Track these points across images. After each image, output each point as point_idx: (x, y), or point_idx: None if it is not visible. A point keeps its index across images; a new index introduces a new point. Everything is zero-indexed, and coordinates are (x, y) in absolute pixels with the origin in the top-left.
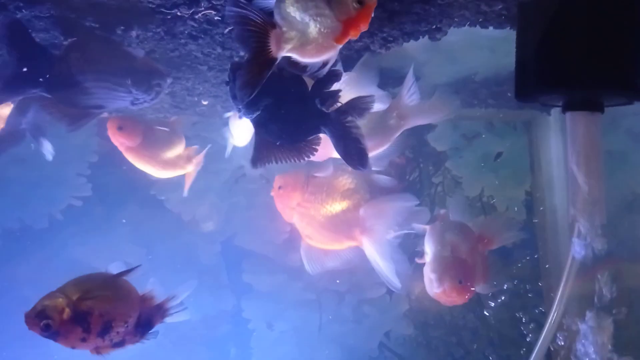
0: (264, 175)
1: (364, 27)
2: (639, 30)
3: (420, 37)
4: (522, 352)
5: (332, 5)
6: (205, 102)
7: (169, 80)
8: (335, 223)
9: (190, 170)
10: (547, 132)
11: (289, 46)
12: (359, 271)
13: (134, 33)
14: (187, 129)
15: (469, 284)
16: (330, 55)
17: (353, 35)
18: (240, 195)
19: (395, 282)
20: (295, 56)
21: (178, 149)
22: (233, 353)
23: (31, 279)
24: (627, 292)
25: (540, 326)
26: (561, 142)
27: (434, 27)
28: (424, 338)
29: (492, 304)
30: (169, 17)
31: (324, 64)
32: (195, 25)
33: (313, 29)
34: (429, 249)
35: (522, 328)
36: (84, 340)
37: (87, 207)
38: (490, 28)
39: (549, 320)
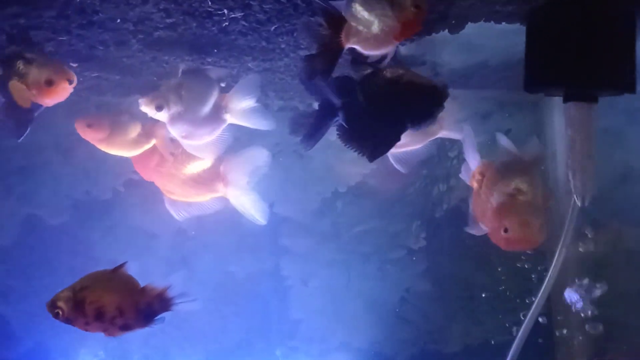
0: (297, 151)
1: (418, 28)
2: (625, 36)
3: (441, 30)
4: (528, 304)
5: (394, 8)
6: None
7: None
8: (196, 179)
9: (154, 142)
10: (551, 111)
11: (355, 39)
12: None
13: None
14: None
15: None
16: (389, 49)
17: (408, 35)
18: (277, 168)
19: (259, 220)
20: (359, 48)
21: (137, 128)
22: (274, 305)
23: (99, 242)
24: (624, 253)
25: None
26: (564, 120)
27: (453, 22)
28: (440, 293)
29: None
30: (224, 18)
31: (383, 56)
32: (246, 24)
33: (377, 26)
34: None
35: (527, 284)
36: (87, 324)
37: (144, 181)
38: (503, 23)
39: (545, 281)
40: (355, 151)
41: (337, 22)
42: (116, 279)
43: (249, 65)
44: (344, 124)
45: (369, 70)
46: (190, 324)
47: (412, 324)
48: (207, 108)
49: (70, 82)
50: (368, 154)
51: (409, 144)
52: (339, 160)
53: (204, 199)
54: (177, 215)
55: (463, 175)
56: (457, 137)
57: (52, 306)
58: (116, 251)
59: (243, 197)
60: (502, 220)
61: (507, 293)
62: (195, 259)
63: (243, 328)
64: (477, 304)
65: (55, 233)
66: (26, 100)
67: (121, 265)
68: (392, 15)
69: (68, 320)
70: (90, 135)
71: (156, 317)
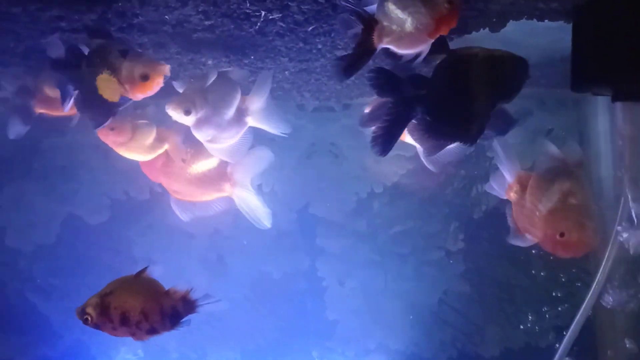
0: (332, 151)
1: (453, 24)
2: None
3: (481, 29)
4: (569, 308)
5: (427, 5)
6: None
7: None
8: (202, 179)
9: (166, 147)
10: (595, 109)
11: (388, 39)
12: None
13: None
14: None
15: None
16: (423, 47)
17: (444, 31)
18: (312, 168)
19: (264, 223)
20: (392, 47)
21: (154, 133)
22: (310, 306)
23: (138, 242)
24: None
25: (586, 286)
26: (608, 119)
27: (494, 20)
28: (478, 295)
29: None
30: (262, 20)
31: (417, 55)
32: (284, 25)
33: (410, 24)
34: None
35: (569, 287)
36: (114, 329)
37: None
38: (546, 21)
39: (595, 282)
40: (447, 140)
41: (369, 23)
42: (140, 283)
43: (286, 65)
44: (426, 118)
45: (440, 58)
46: (227, 323)
47: (451, 326)
48: (232, 111)
49: (165, 78)
50: (463, 139)
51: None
52: (374, 160)
53: (209, 198)
54: (182, 215)
55: (492, 189)
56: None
57: (82, 312)
58: (154, 250)
59: (249, 198)
60: (556, 225)
61: (549, 296)
62: (232, 258)
63: (279, 328)
64: (517, 306)
65: (94, 232)
66: (115, 94)
67: (143, 270)
68: (425, 13)
69: (97, 326)
70: (112, 139)
71: (182, 320)
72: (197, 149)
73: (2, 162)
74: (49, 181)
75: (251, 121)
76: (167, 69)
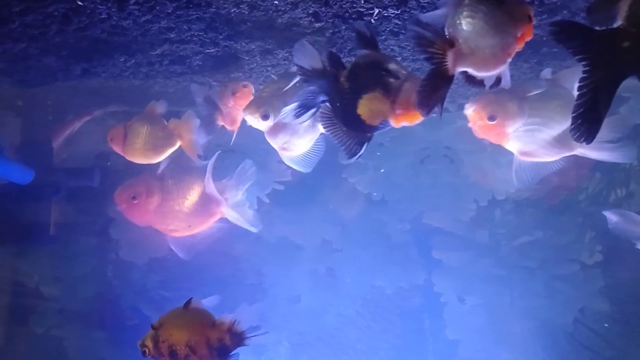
0: (447, 155)
1: (528, 38)
2: None
3: None
4: None
5: (509, 21)
6: None
7: None
8: (197, 209)
9: (180, 143)
10: None
11: (465, 62)
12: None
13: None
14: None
15: None
16: (503, 68)
17: (519, 48)
18: (426, 175)
19: (254, 228)
20: (471, 71)
21: (157, 132)
22: (427, 324)
23: (245, 254)
24: None
25: None
26: None
27: None
28: (621, 315)
29: None
30: (376, 17)
31: (498, 79)
32: (399, 22)
33: (489, 43)
34: None
35: None
36: None
37: (287, 191)
38: None
39: None
40: None
41: (441, 47)
42: (187, 315)
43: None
44: None
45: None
46: (339, 340)
47: (588, 349)
48: (309, 116)
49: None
50: None
51: (540, 155)
52: (495, 163)
53: (207, 225)
54: (184, 255)
55: None
56: (597, 157)
57: (142, 345)
58: (262, 263)
59: (237, 210)
60: None
61: None
62: (342, 271)
63: (395, 346)
64: None
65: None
66: (377, 117)
67: (189, 301)
68: (508, 30)
69: (154, 358)
70: (115, 148)
71: (231, 353)
72: (176, 178)
73: (114, 176)
74: None
75: (322, 127)
76: None
